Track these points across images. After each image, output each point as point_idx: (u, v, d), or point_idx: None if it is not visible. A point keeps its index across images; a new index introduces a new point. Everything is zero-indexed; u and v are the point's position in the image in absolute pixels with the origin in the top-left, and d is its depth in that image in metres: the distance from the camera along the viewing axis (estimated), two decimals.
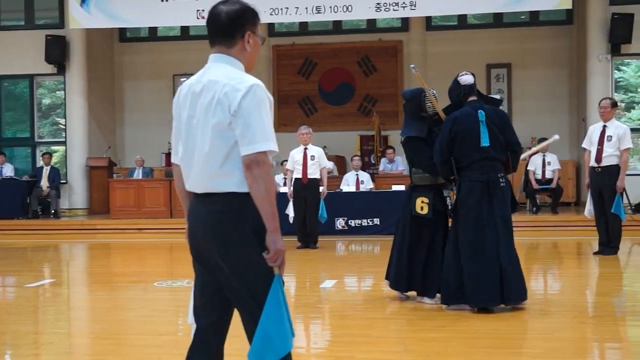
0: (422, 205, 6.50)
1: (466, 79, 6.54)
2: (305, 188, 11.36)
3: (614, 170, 9.52)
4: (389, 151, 16.18)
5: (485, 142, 6.27)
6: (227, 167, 2.96)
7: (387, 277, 6.85)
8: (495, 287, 6.08)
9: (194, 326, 3.23)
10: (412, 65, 7.00)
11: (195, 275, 3.20)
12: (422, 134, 6.66)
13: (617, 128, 9.68)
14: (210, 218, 3.00)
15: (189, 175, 3.10)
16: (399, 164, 16.09)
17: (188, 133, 3.08)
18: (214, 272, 3.07)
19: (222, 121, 2.94)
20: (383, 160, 16.29)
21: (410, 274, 6.57)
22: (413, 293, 6.71)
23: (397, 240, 6.72)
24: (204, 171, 3.00)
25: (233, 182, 2.97)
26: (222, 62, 3.11)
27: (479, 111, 6.34)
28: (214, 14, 3.13)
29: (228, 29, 3.10)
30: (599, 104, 9.99)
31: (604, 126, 9.72)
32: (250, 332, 3.00)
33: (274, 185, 2.97)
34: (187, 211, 3.21)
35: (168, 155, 19.24)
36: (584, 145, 10.05)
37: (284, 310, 2.93)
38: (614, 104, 9.96)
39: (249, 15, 3.12)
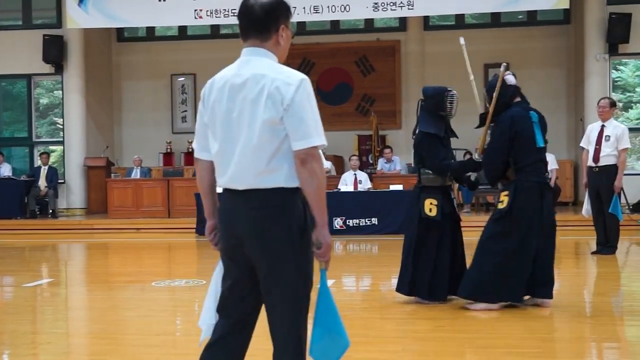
0: (430, 207, 6.38)
1: (511, 79, 6.54)
2: None
3: (611, 170, 9.53)
4: (387, 151, 16.19)
5: (540, 143, 6.31)
6: (275, 162, 2.92)
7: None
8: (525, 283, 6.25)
9: (204, 330, 3.20)
10: (462, 41, 6.86)
11: (224, 275, 3.15)
12: (440, 133, 6.53)
13: (616, 128, 9.69)
14: (255, 215, 2.94)
15: (225, 172, 3.01)
16: (397, 163, 16.11)
17: (226, 127, 3.00)
18: (250, 271, 3.03)
19: (273, 116, 2.89)
20: (381, 160, 16.29)
21: (414, 277, 6.43)
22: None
23: (405, 243, 6.60)
24: (250, 167, 2.94)
25: (281, 177, 2.93)
26: (259, 55, 3.05)
27: (530, 112, 6.35)
28: (247, 7, 3.07)
29: (263, 22, 3.05)
30: (598, 104, 10.00)
31: (602, 126, 9.72)
32: (282, 332, 2.97)
33: (325, 179, 2.97)
34: (211, 208, 3.17)
35: (166, 155, 19.27)
36: (582, 144, 10.05)
37: (335, 305, 2.96)
38: (613, 104, 9.96)
39: (283, 9, 3.09)
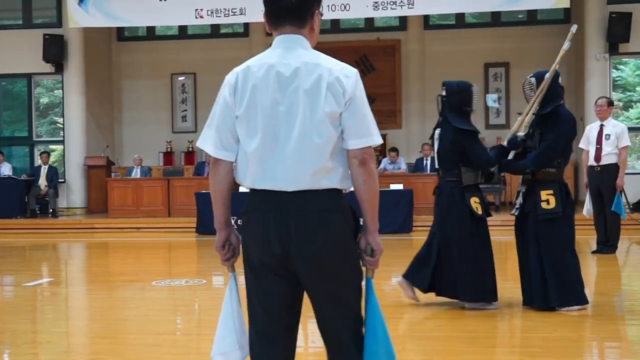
0: (476, 206, 6.24)
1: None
2: None
3: (612, 169, 9.54)
4: (393, 154, 16.24)
5: None
6: (332, 161, 2.67)
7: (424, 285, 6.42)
8: None
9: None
10: (573, 29, 6.77)
11: (255, 295, 2.80)
12: (476, 129, 6.39)
13: (615, 126, 9.71)
14: (309, 219, 2.65)
15: (267, 171, 2.68)
16: (402, 163, 16.13)
17: (270, 121, 2.67)
18: (292, 282, 2.74)
19: (335, 110, 2.63)
20: (384, 160, 16.30)
21: (457, 277, 6.18)
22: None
23: (444, 243, 6.29)
24: (305, 166, 2.64)
25: (337, 178, 2.69)
26: (300, 43, 2.76)
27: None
28: None
29: (300, 8, 2.74)
30: (595, 103, 10.02)
31: (601, 125, 9.73)
32: (342, 341, 2.74)
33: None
34: (226, 217, 2.87)
35: (166, 154, 19.28)
36: (581, 145, 10.05)
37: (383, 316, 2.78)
38: (610, 103, 9.98)
39: None
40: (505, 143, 6.42)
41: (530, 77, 6.47)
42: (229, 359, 2.87)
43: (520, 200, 6.34)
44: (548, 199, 6.13)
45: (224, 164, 2.77)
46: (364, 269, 2.81)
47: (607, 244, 9.72)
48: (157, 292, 7.70)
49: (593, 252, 9.85)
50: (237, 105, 2.71)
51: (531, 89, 6.37)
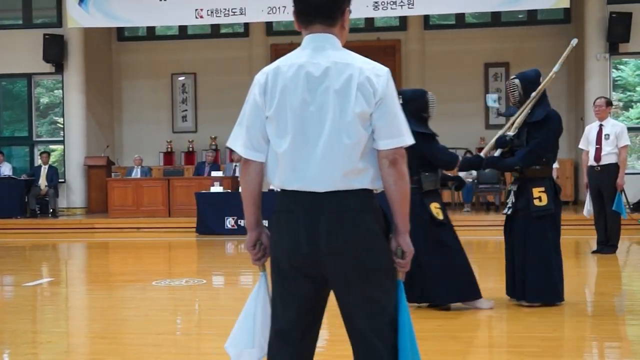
0: (437, 212, 6.21)
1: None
2: None
3: (613, 169, 9.55)
4: None
5: None
6: (363, 161, 2.64)
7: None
8: None
9: (232, 356, 2.84)
10: (574, 42, 6.81)
11: (278, 295, 2.76)
12: (433, 132, 6.37)
13: (614, 126, 9.73)
14: (341, 220, 2.62)
15: (298, 172, 2.65)
16: None
17: (301, 122, 2.64)
18: (318, 284, 2.71)
19: (365, 110, 2.60)
20: None
21: (431, 282, 6.16)
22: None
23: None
24: (336, 166, 2.61)
25: (368, 178, 2.66)
26: (331, 42, 2.72)
27: None
28: None
29: (332, 5, 2.71)
30: (594, 103, 10.06)
31: (601, 125, 9.75)
32: (372, 346, 2.67)
33: None
34: (257, 217, 2.82)
35: (166, 154, 19.28)
36: (580, 146, 10.08)
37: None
38: (609, 103, 10.01)
39: None
40: (491, 143, 6.48)
41: (514, 78, 6.53)
42: (242, 357, 2.83)
43: (512, 198, 6.38)
44: (540, 196, 6.20)
45: (254, 165, 2.75)
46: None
47: (607, 244, 9.73)
48: (157, 292, 7.70)
49: (593, 252, 9.86)
50: (267, 105, 2.68)
51: (514, 90, 6.41)
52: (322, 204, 2.63)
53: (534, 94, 6.27)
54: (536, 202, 6.19)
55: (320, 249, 2.63)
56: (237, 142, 2.77)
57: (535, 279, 6.15)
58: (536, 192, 6.21)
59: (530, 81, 6.38)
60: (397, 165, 2.63)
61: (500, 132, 6.42)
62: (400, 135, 2.64)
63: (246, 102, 2.76)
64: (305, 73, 2.64)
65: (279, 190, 2.76)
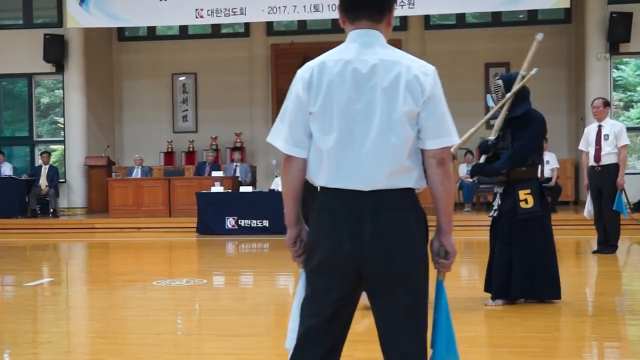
0: None
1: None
2: None
3: (613, 169, 9.58)
4: None
5: None
6: (410, 161, 2.61)
7: None
8: None
9: (291, 352, 2.77)
10: (538, 36, 6.81)
11: (312, 292, 2.70)
12: None
13: (613, 126, 9.77)
14: (385, 219, 2.58)
15: (343, 170, 2.60)
16: None
17: (347, 119, 2.59)
18: (353, 283, 2.65)
19: (413, 109, 2.57)
20: None
21: None
22: None
23: None
24: (383, 165, 2.57)
25: (414, 178, 2.63)
26: (378, 39, 2.69)
27: None
28: None
29: (381, 1, 2.70)
30: (592, 104, 10.12)
31: (600, 126, 9.80)
32: (404, 350, 2.64)
33: None
34: (297, 214, 2.77)
35: (167, 154, 19.28)
36: (580, 147, 10.12)
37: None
38: (606, 103, 10.03)
39: None
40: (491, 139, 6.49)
41: (497, 79, 6.59)
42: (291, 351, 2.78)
43: (498, 201, 6.40)
44: (526, 199, 6.21)
45: (296, 161, 2.69)
46: (435, 271, 2.75)
47: (607, 244, 9.74)
48: (157, 292, 7.70)
49: (594, 252, 9.87)
50: (311, 101, 2.63)
51: (498, 91, 6.44)
52: (366, 203, 2.58)
53: (508, 94, 6.31)
54: (522, 205, 6.21)
55: (363, 248, 2.58)
56: (278, 137, 2.70)
57: (520, 279, 6.20)
58: (522, 194, 6.22)
59: (513, 83, 6.40)
60: (444, 165, 2.61)
61: (470, 131, 6.35)
62: (448, 134, 2.62)
63: (287, 97, 2.71)
64: (352, 69, 2.60)
65: (320, 188, 2.70)
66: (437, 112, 2.60)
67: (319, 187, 2.72)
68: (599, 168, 9.67)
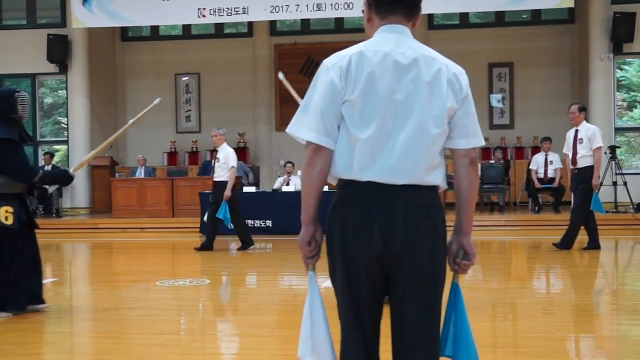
0: (7, 215, 6.20)
1: None
2: None
3: (588, 171, 9.96)
4: None
5: None
6: (440, 157, 2.60)
7: None
8: None
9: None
10: (280, 75, 6.84)
11: (346, 295, 2.63)
12: (16, 137, 6.32)
13: (587, 130, 10.14)
14: (416, 214, 2.51)
15: (378, 162, 2.52)
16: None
17: (386, 110, 2.52)
18: (381, 282, 2.59)
19: (454, 105, 2.58)
20: None
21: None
22: None
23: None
24: (420, 159, 2.53)
25: (441, 175, 2.61)
26: (409, 36, 2.66)
27: None
28: None
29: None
30: (569, 109, 10.49)
31: (576, 130, 10.19)
32: (425, 342, 2.59)
33: None
34: (315, 211, 2.64)
35: (170, 154, 19.31)
36: (564, 150, 10.52)
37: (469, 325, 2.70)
38: (582, 109, 10.36)
39: None
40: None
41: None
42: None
43: None
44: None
45: (325, 152, 2.56)
46: (451, 272, 2.70)
47: (588, 242, 10.17)
48: (161, 292, 7.71)
49: (584, 249, 10.22)
50: (348, 89, 2.54)
51: None
52: (397, 198, 2.51)
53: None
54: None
55: (394, 246, 2.50)
56: (302, 128, 2.59)
57: None
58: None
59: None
60: (475, 165, 2.64)
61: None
62: (478, 135, 2.65)
63: (313, 86, 2.62)
64: (392, 61, 2.55)
65: (343, 183, 2.60)
66: (470, 112, 2.64)
67: (337, 182, 2.64)
68: (576, 171, 10.08)
